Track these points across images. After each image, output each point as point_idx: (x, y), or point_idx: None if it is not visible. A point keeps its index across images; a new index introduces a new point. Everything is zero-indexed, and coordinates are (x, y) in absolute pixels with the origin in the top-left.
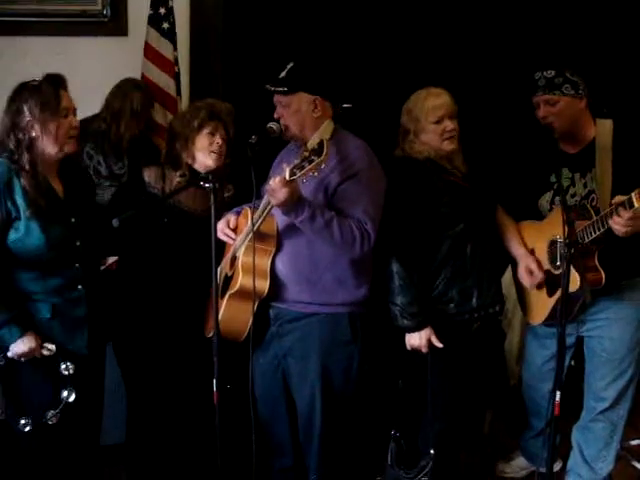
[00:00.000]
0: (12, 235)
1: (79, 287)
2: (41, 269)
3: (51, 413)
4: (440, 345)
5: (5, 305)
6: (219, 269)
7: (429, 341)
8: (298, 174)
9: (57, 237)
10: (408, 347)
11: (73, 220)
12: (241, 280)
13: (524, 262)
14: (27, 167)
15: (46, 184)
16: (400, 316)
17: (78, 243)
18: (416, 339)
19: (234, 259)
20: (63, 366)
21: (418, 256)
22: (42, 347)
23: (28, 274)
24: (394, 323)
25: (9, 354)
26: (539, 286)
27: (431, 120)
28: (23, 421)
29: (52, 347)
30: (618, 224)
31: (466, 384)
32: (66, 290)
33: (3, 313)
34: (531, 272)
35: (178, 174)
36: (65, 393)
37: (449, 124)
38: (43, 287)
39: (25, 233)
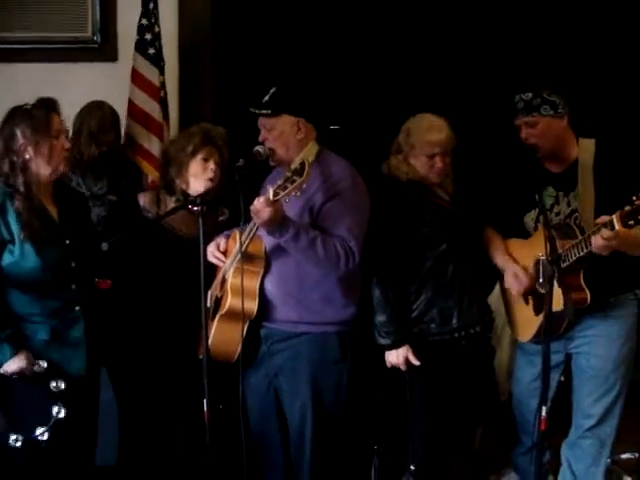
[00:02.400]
0: (7, 258)
1: (76, 308)
2: (38, 291)
3: (41, 430)
4: (417, 363)
5: None
6: (210, 292)
7: (407, 359)
8: (281, 194)
9: (52, 259)
10: (387, 364)
11: (68, 242)
12: (230, 301)
13: (510, 269)
14: (21, 189)
15: (40, 207)
16: (377, 334)
17: (73, 264)
18: (393, 357)
19: (224, 281)
20: (53, 383)
21: (396, 275)
22: (34, 365)
23: (25, 296)
24: (373, 341)
25: (0, 370)
26: (526, 301)
27: (425, 153)
28: (14, 437)
29: (43, 364)
30: (598, 245)
31: (450, 402)
32: (63, 312)
33: None
34: (517, 277)
35: (173, 199)
36: (55, 410)
37: (439, 162)
38: (41, 309)
39: (20, 256)
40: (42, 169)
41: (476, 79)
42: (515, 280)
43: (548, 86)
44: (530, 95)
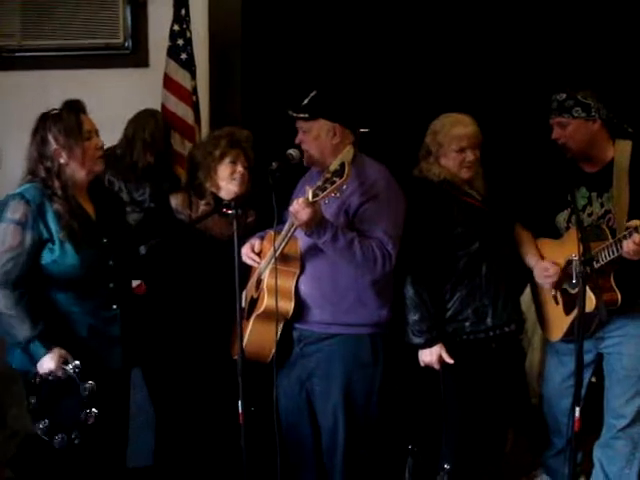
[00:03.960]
0: (47, 257)
1: (114, 307)
2: (77, 290)
3: (75, 433)
4: (451, 361)
5: (31, 322)
6: (244, 292)
7: (440, 357)
8: (320, 195)
9: (91, 257)
10: (421, 364)
11: (105, 241)
12: (266, 301)
13: (539, 265)
14: (59, 193)
15: (78, 207)
16: (411, 333)
17: (111, 263)
18: (427, 355)
19: (259, 282)
20: (82, 387)
21: (429, 274)
22: (65, 364)
23: (65, 295)
24: (406, 340)
25: (40, 372)
26: (556, 301)
27: (453, 148)
28: (58, 436)
29: (71, 366)
30: (629, 249)
31: (483, 402)
32: (101, 310)
33: (29, 330)
34: (546, 269)
35: (203, 202)
36: (85, 414)
37: (470, 155)
38: (79, 307)
39: (60, 254)
40: (77, 172)
41: (513, 78)
42: (544, 273)
43: (588, 87)
44: (564, 96)
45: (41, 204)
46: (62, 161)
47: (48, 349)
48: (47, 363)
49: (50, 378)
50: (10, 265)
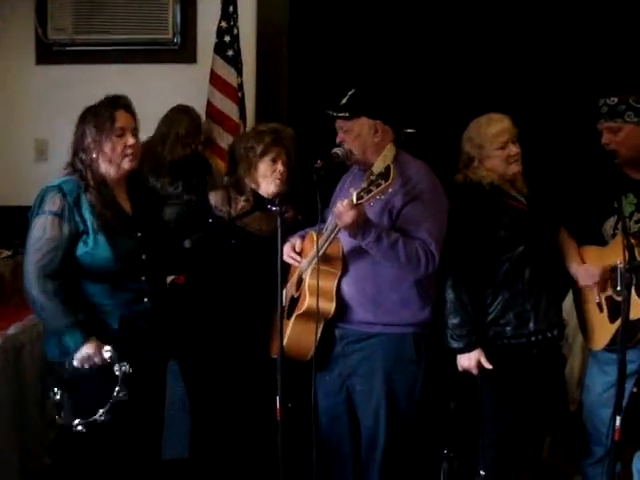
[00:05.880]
0: (82, 248)
1: (145, 300)
2: (110, 282)
3: (101, 411)
4: (489, 367)
5: (69, 311)
6: (284, 291)
7: (479, 362)
8: (365, 198)
9: (124, 250)
10: (459, 368)
11: (139, 235)
12: (308, 301)
13: (581, 268)
14: (92, 184)
15: (112, 200)
16: (450, 337)
17: (144, 257)
18: (465, 360)
19: (300, 281)
20: (116, 367)
21: (471, 278)
22: (102, 352)
23: (98, 287)
24: (445, 344)
25: (74, 363)
26: (600, 308)
27: (496, 147)
28: (76, 422)
29: (109, 349)
30: None
31: (521, 408)
32: (133, 302)
33: (66, 318)
34: (587, 270)
35: (242, 199)
36: (115, 390)
37: (513, 148)
38: (112, 299)
39: (94, 246)
40: (105, 167)
41: (555, 81)
42: (587, 273)
43: (634, 92)
44: (615, 100)
45: (77, 196)
46: (94, 155)
47: (86, 337)
48: (85, 349)
49: (85, 366)
50: (50, 257)
